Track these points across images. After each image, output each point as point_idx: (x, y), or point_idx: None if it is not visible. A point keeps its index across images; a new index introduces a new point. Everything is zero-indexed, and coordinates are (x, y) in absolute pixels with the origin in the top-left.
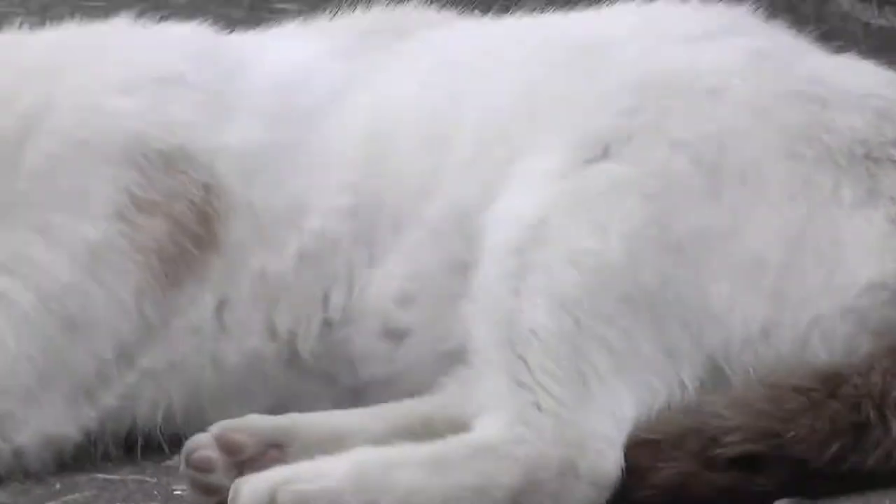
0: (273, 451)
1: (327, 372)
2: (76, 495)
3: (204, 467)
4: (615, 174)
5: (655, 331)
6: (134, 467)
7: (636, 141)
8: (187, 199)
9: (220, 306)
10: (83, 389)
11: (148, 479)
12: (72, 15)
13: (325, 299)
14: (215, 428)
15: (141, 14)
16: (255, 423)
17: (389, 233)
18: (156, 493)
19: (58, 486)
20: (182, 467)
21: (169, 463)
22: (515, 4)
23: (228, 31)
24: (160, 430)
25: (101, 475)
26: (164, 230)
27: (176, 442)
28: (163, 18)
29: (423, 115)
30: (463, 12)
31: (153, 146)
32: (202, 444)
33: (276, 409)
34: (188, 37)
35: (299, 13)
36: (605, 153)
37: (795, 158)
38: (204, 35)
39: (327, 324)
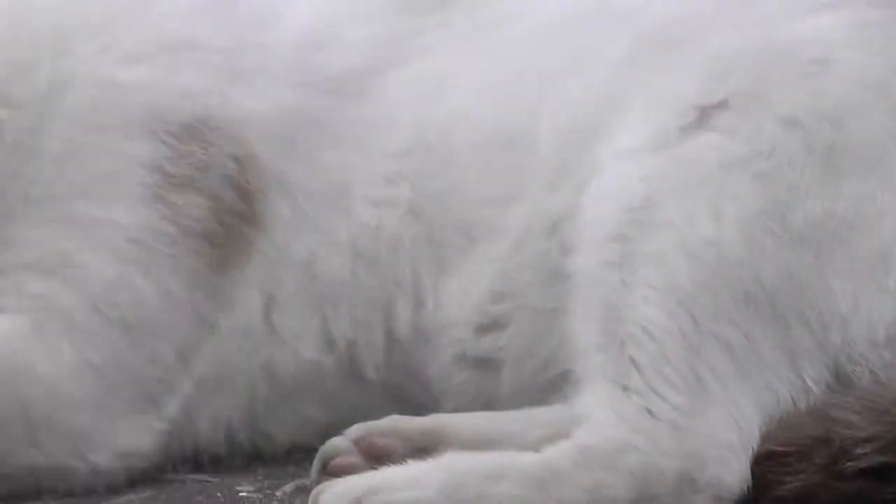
0: (420, 457)
1: (398, 392)
2: (132, 496)
3: (344, 472)
4: (721, 149)
5: (777, 330)
6: (194, 465)
7: (735, 108)
8: (222, 172)
9: (268, 305)
10: (149, 398)
11: (210, 479)
12: None
13: (388, 309)
14: (355, 430)
15: None
16: (401, 426)
17: (460, 241)
18: (219, 494)
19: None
20: (314, 475)
21: (234, 462)
22: None
23: None
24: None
25: (159, 474)
26: (205, 207)
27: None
28: None
29: (494, 103)
30: None
31: (175, 118)
32: (342, 449)
33: (337, 426)
34: None
35: None
36: (701, 119)
37: None
38: None
39: (394, 339)
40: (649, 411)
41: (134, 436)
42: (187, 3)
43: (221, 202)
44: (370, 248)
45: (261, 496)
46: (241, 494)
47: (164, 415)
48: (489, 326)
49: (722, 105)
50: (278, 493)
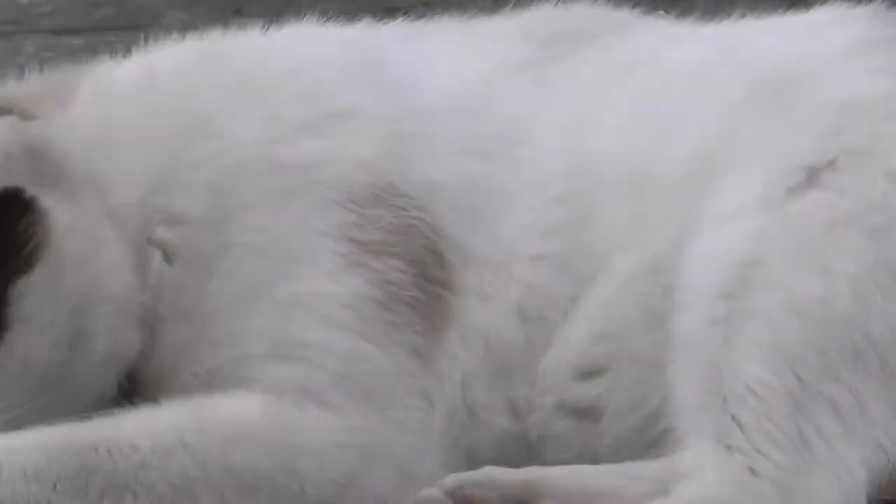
0: None
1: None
2: None
3: None
4: (831, 206)
5: (885, 387)
6: None
7: (845, 167)
8: (416, 236)
9: (465, 380)
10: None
11: None
12: None
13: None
14: (450, 481)
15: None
16: (497, 478)
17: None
18: None
19: None
20: None
21: None
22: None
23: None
24: None
25: None
26: (408, 272)
27: None
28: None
29: (626, 149)
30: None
31: (356, 186)
32: (435, 500)
33: None
34: (347, 52)
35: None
36: (810, 179)
37: None
38: (360, 46)
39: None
40: (752, 470)
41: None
42: (336, 68)
43: (423, 267)
44: (533, 306)
45: None
46: None
47: (417, 482)
48: (588, 371)
49: (832, 164)
50: None
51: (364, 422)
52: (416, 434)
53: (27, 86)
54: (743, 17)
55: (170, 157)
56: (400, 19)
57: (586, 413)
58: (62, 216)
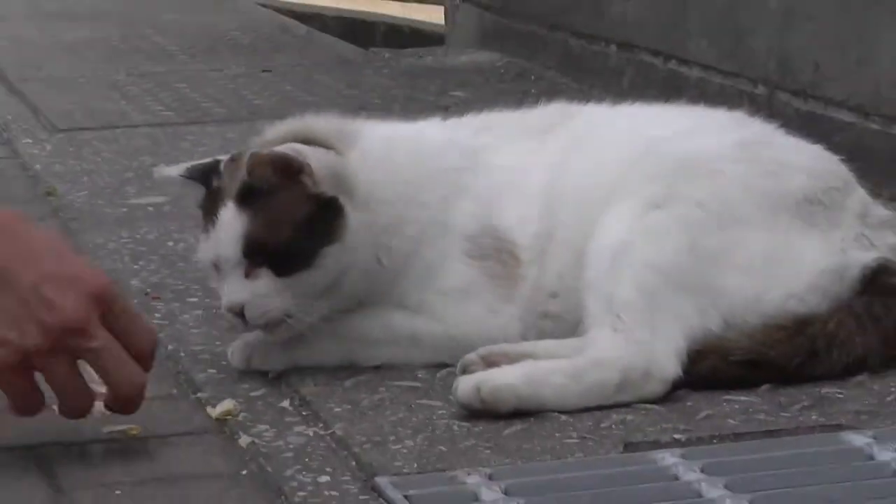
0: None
1: None
2: None
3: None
4: (664, 219)
5: (694, 302)
6: None
7: (673, 201)
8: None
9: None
10: None
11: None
12: None
13: None
14: (482, 350)
15: None
16: (507, 349)
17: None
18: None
19: None
20: (459, 372)
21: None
22: None
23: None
24: None
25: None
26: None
27: None
28: None
29: (574, 184)
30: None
31: (472, 228)
32: (474, 360)
33: None
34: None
35: None
36: (656, 207)
37: (766, 209)
38: (459, 142)
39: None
40: (627, 339)
41: None
42: (454, 156)
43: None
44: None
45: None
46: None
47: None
48: (553, 293)
49: (668, 199)
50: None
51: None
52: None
53: (319, 126)
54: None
55: (406, 202)
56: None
57: (555, 316)
58: (353, 219)
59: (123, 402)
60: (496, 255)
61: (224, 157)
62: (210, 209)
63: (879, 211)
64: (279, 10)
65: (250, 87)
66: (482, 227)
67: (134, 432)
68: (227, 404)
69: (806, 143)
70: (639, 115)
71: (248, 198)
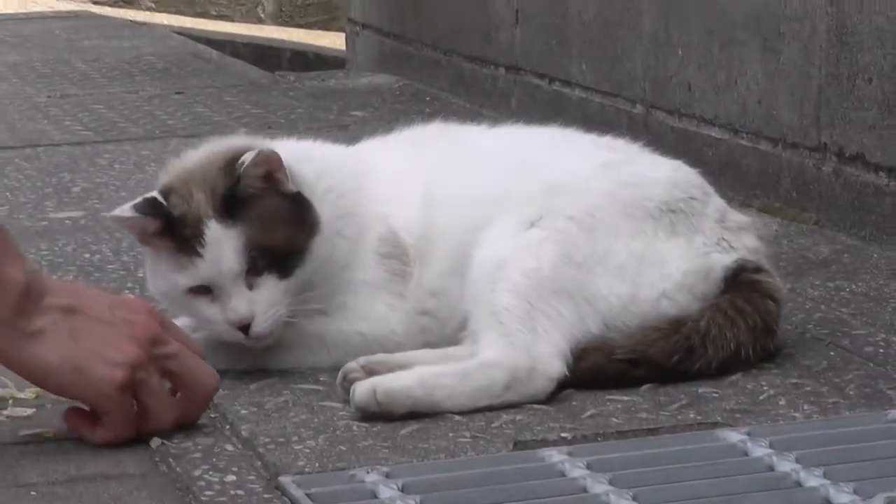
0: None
1: None
2: None
3: (354, 381)
4: (539, 234)
5: (572, 306)
6: None
7: (546, 218)
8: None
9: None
10: None
11: None
12: None
13: None
14: (363, 360)
15: None
16: (386, 359)
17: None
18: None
19: None
20: (339, 381)
21: None
22: None
23: None
24: None
25: None
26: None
27: None
28: None
29: (451, 191)
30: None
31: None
32: (355, 369)
33: None
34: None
35: None
36: (531, 225)
37: (632, 217)
38: (355, 151)
39: None
40: (512, 344)
41: None
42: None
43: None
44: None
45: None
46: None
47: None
48: (433, 292)
49: (541, 218)
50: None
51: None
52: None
53: (242, 143)
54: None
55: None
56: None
57: (434, 314)
58: (319, 211)
59: (203, 399)
60: (397, 254)
61: (153, 194)
62: (183, 237)
63: (736, 216)
64: (194, 37)
65: (164, 107)
66: (387, 227)
67: (48, 435)
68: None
69: (666, 158)
70: (511, 137)
71: (230, 210)
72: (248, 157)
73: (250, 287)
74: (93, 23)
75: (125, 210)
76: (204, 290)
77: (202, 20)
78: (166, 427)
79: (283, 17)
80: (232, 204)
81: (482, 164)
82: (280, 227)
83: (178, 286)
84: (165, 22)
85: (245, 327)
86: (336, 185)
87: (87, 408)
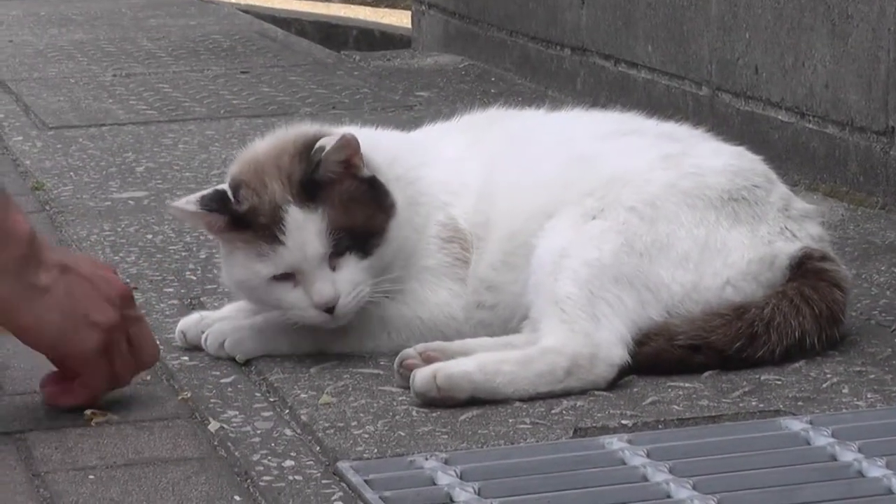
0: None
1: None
2: None
3: (412, 368)
4: (601, 226)
5: (634, 294)
6: None
7: (607, 210)
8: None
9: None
10: None
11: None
12: None
13: None
14: (420, 347)
15: None
16: (444, 346)
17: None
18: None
19: None
20: (396, 367)
21: None
22: None
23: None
24: None
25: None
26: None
27: None
28: None
29: (510, 180)
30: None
31: (444, 216)
32: (412, 355)
33: None
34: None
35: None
36: (593, 218)
37: (694, 207)
38: (414, 138)
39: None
40: (573, 330)
41: None
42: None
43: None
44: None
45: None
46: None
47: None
48: (489, 286)
49: (603, 210)
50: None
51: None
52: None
53: (314, 129)
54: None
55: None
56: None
57: (491, 307)
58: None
59: (144, 368)
60: (457, 239)
61: (222, 187)
62: (260, 226)
63: (799, 204)
64: (259, 15)
65: (229, 87)
66: (447, 215)
67: (105, 418)
68: None
69: (729, 146)
70: (570, 124)
71: (310, 195)
72: (328, 142)
73: (333, 269)
74: (159, 0)
75: (190, 203)
76: (285, 276)
77: None
78: (124, 385)
79: None
80: (311, 189)
81: (541, 153)
82: (359, 208)
83: (261, 275)
84: (231, 0)
85: (331, 308)
86: (403, 174)
87: (57, 370)
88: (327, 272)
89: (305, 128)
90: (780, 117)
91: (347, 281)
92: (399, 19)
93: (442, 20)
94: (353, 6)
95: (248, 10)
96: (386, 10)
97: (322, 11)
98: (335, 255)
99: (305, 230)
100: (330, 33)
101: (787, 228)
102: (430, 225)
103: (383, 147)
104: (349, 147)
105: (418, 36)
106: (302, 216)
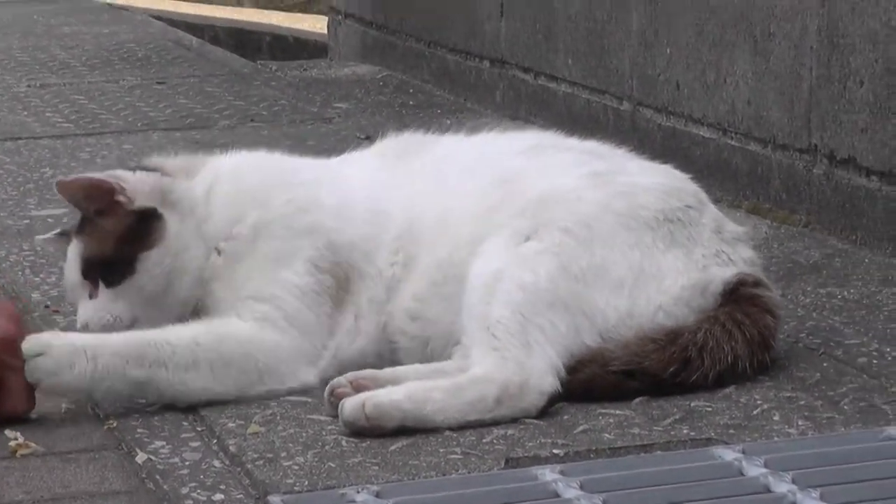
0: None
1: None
2: None
3: (342, 397)
4: (536, 247)
5: (568, 319)
6: None
7: (541, 231)
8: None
9: (357, 328)
10: None
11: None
12: None
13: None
14: (350, 375)
15: None
16: (376, 374)
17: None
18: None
19: None
20: (326, 396)
21: None
22: None
23: None
24: None
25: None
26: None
27: None
28: None
29: (432, 210)
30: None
31: (319, 238)
32: (342, 384)
33: None
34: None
35: None
36: (526, 239)
37: (629, 228)
38: (330, 166)
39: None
40: (504, 358)
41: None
42: (316, 181)
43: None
44: (388, 288)
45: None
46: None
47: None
48: (413, 317)
49: (536, 230)
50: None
51: (293, 340)
52: (320, 349)
53: (170, 160)
54: (489, 132)
55: (237, 213)
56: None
57: (416, 337)
58: (174, 226)
59: (6, 417)
60: (332, 269)
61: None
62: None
63: (731, 227)
64: (173, 21)
65: (146, 98)
66: (327, 242)
67: (31, 450)
68: None
69: (655, 164)
70: (490, 146)
71: (82, 228)
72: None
73: (90, 297)
74: (71, 7)
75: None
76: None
77: (181, 3)
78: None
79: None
80: (83, 223)
81: (462, 180)
82: (108, 240)
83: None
84: (144, 5)
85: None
86: (237, 200)
87: None
88: (85, 300)
89: (161, 160)
90: (702, 133)
91: (96, 308)
92: (312, 25)
93: (359, 30)
94: (265, 11)
95: (160, 17)
96: (299, 14)
97: (235, 17)
98: (92, 285)
99: (70, 260)
100: (244, 40)
101: (722, 251)
102: (290, 244)
103: (220, 182)
104: (87, 187)
105: (335, 45)
106: (71, 247)
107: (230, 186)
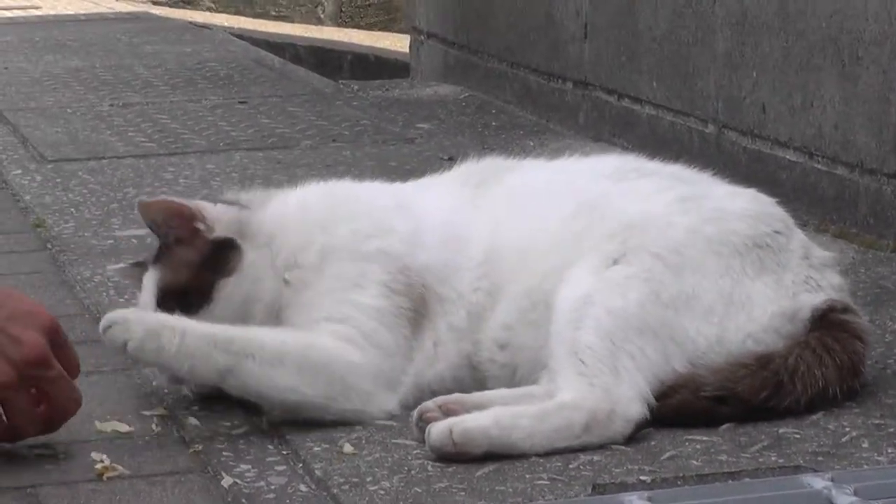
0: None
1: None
2: None
3: (430, 421)
4: (625, 272)
5: (657, 346)
6: None
7: (630, 255)
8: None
9: (437, 353)
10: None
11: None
12: None
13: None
14: (440, 399)
15: None
16: (464, 398)
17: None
18: None
19: None
20: (414, 420)
21: None
22: None
23: None
24: None
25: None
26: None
27: None
28: None
29: (516, 238)
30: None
31: (391, 263)
32: (431, 408)
33: None
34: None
35: None
36: (615, 262)
37: (719, 254)
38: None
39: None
40: (591, 384)
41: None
42: (387, 207)
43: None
44: (474, 314)
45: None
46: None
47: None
48: (502, 344)
49: (623, 256)
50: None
51: (374, 358)
52: (399, 373)
53: (244, 193)
54: (569, 156)
55: (303, 241)
56: None
57: (505, 365)
58: (249, 256)
59: (62, 420)
60: (407, 292)
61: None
62: None
63: (819, 252)
64: (253, 40)
65: (228, 118)
66: (400, 266)
67: (117, 473)
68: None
69: (740, 188)
70: (573, 171)
71: (159, 258)
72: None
73: None
74: (153, 26)
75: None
76: None
77: (261, 21)
78: (29, 437)
79: (342, 18)
80: (161, 251)
81: (547, 206)
82: (184, 269)
83: None
84: (225, 23)
85: None
86: (304, 229)
87: None
88: None
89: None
90: (787, 157)
91: None
92: (393, 43)
93: (441, 50)
94: (346, 30)
95: (241, 35)
96: (380, 33)
97: (315, 35)
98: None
99: (146, 289)
100: (325, 58)
101: (811, 277)
102: (359, 269)
103: (289, 214)
104: (168, 209)
105: (416, 65)
106: (148, 276)
107: (298, 216)
